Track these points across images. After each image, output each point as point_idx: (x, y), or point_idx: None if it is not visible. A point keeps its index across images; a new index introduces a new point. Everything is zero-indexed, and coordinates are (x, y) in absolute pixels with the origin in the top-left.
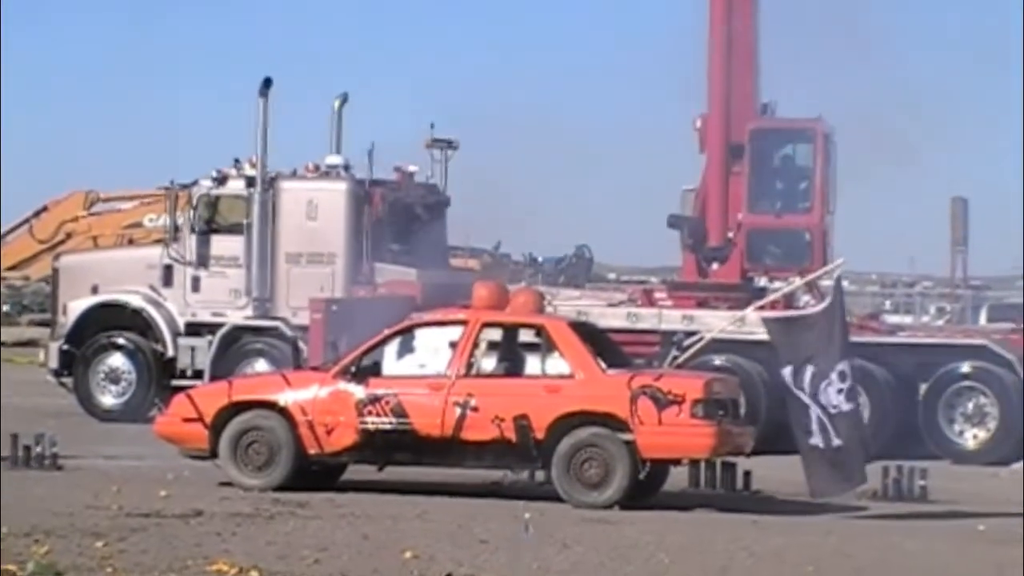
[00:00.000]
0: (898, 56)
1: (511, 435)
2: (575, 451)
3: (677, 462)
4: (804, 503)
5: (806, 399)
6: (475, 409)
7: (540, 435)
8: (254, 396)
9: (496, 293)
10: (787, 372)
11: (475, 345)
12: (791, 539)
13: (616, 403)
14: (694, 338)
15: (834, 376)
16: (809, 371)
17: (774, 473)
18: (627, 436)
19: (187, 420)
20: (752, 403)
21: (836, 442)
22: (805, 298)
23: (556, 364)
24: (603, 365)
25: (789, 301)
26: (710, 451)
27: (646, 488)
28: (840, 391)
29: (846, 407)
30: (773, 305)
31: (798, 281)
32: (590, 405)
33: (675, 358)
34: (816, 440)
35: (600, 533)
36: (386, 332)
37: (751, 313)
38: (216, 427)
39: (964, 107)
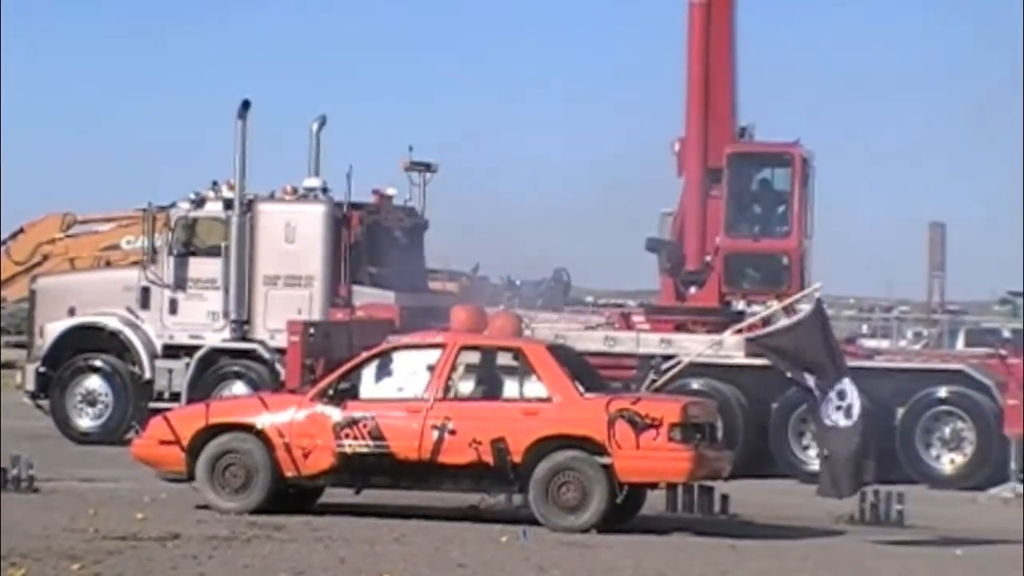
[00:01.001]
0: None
1: (488, 458)
2: (552, 474)
3: (654, 486)
4: (782, 527)
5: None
6: (452, 432)
7: (518, 458)
8: (231, 419)
9: (474, 316)
10: (799, 381)
11: (453, 368)
12: (769, 563)
13: (594, 427)
14: (672, 362)
15: (833, 395)
16: (813, 380)
17: (752, 497)
18: (605, 460)
19: (164, 443)
20: (730, 427)
21: (825, 452)
22: (783, 322)
23: (534, 387)
24: (581, 388)
25: (767, 325)
26: (687, 475)
27: (623, 512)
28: (839, 408)
29: (843, 423)
30: (751, 329)
31: (776, 304)
32: (568, 428)
33: (653, 381)
34: (839, 420)
35: (577, 557)
36: (364, 355)
37: (729, 337)
38: (193, 450)
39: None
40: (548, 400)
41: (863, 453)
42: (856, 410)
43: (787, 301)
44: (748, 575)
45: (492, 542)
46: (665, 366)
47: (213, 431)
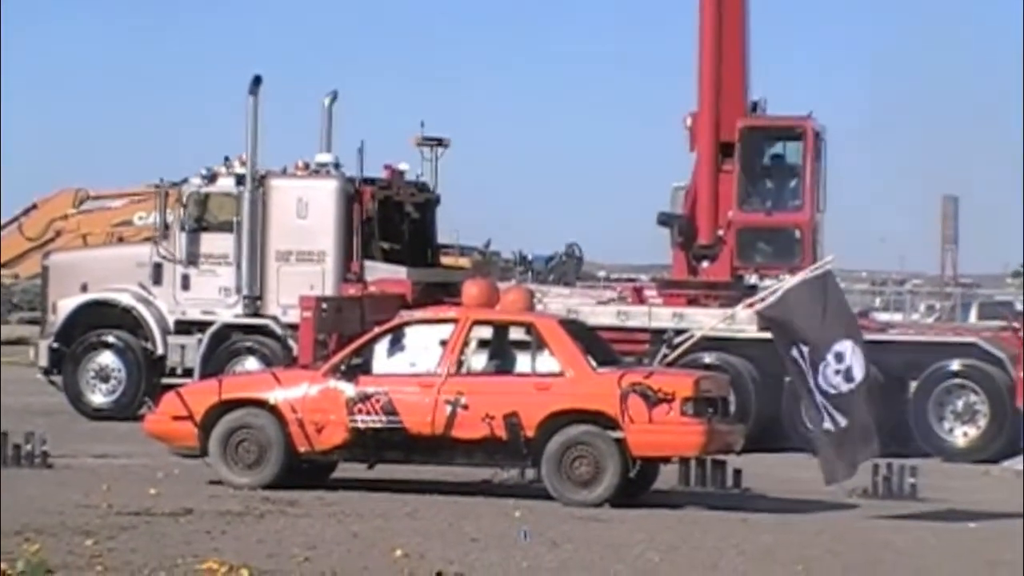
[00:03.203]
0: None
1: (501, 433)
2: (565, 449)
3: (667, 460)
4: (794, 501)
5: (811, 384)
6: (465, 407)
7: (530, 433)
8: (244, 394)
9: (486, 291)
10: (789, 359)
11: (465, 343)
12: (781, 537)
13: (606, 401)
14: (684, 336)
15: (830, 358)
16: (806, 352)
17: (764, 471)
18: (617, 434)
19: (177, 418)
20: (742, 401)
21: (843, 423)
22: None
23: (546, 362)
24: (593, 363)
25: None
26: (700, 449)
27: (637, 486)
28: (838, 372)
29: (845, 388)
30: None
31: (789, 279)
32: (580, 403)
33: (665, 356)
34: (828, 424)
35: (590, 531)
36: (376, 330)
37: (741, 311)
38: (206, 425)
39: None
40: (560, 375)
41: (864, 425)
42: (858, 374)
43: (800, 276)
44: (760, 549)
45: (505, 516)
46: (678, 340)
47: (226, 407)
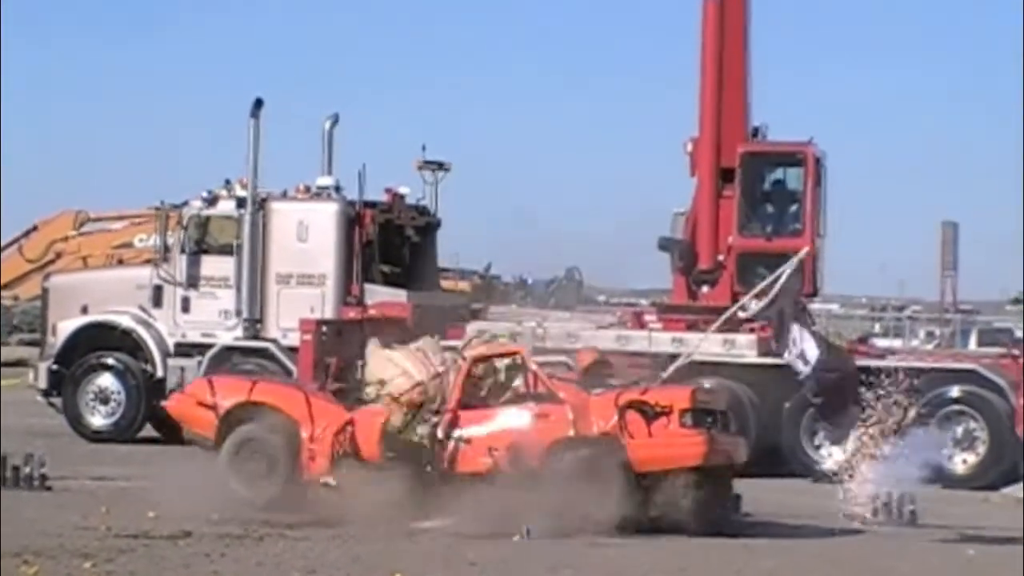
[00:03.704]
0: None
1: (504, 464)
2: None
3: (671, 473)
4: (794, 526)
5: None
6: (468, 441)
7: (534, 463)
8: (274, 404)
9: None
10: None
11: (468, 379)
12: (781, 562)
13: (606, 422)
14: (682, 358)
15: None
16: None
17: (764, 496)
18: (622, 455)
19: (201, 404)
20: (741, 426)
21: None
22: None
23: (543, 392)
24: (587, 388)
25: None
26: (702, 458)
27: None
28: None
29: (801, 369)
30: (764, 329)
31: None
32: (581, 429)
33: (659, 378)
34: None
35: (589, 556)
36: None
37: (741, 336)
38: (228, 420)
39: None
40: (559, 402)
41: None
42: (811, 356)
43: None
44: (761, 574)
45: (504, 541)
46: (676, 364)
47: (251, 407)
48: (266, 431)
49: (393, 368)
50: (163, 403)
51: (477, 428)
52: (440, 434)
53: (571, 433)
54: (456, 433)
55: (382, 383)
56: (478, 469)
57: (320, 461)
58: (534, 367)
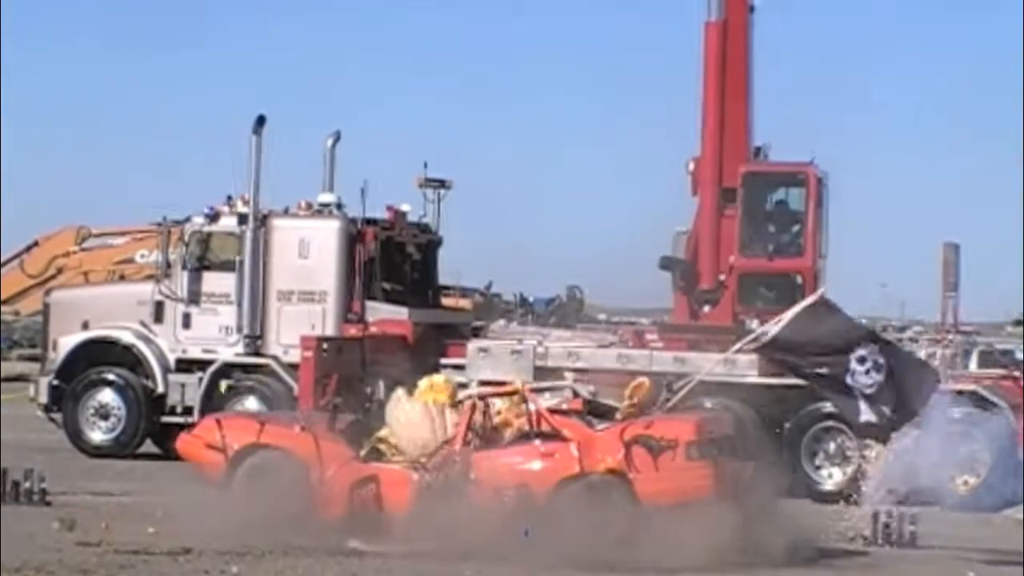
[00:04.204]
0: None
1: (513, 504)
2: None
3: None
4: (795, 548)
5: (847, 383)
6: (475, 483)
7: (542, 501)
8: (283, 446)
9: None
10: (814, 375)
11: (473, 418)
12: None
13: (612, 457)
14: (684, 380)
15: (854, 364)
16: (827, 365)
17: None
18: (629, 491)
19: (210, 447)
20: (744, 446)
21: (887, 411)
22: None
23: (548, 431)
24: (593, 423)
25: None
26: (711, 490)
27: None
28: (867, 372)
29: (878, 378)
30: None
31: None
32: (587, 465)
33: (667, 400)
34: (868, 416)
35: None
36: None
37: (742, 356)
38: (235, 462)
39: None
40: (564, 440)
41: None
42: (883, 363)
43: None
44: None
45: (503, 561)
46: (678, 385)
47: (260, 449)
48: (279, 459)
49: (409, 427)
50: (176, 445)
51: (485, 469)
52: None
53: (577, 470)
54: (465, 475)
55: (378, 451)
56: (487, 510)
57: (334, 509)
58: (537, 404)
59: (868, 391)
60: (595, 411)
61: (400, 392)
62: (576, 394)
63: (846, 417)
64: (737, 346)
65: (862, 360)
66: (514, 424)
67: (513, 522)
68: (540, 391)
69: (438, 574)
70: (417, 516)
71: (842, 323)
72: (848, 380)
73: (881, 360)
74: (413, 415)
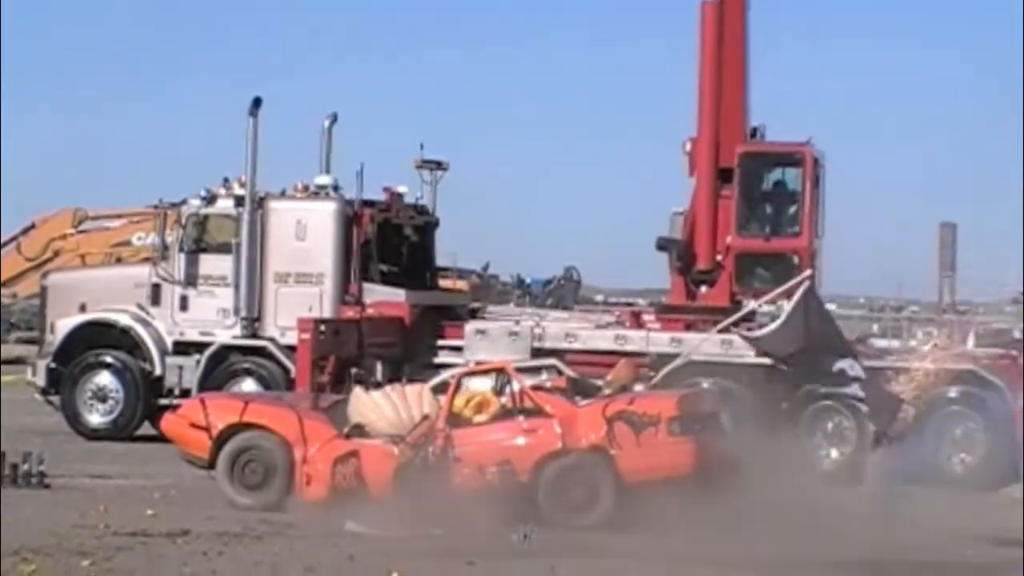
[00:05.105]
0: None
1: (496, 481)
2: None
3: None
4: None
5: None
6: (459, 460)
7: (524, 478)
8: (266, 424)
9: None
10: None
11: (456, 396)
12: (776, 558)
13: (595, 434)
14: (679, 360)
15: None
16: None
17: (762, 496)
18: (611, 467)
19: (194, 426)
20: (741, 426)
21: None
22: (776, 322)
23: (529, 405)
24: (575, 399)
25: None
26: (693, 467)
27: None
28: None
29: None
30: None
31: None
32: (570, 442)
33: (650, 378)
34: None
35: (588, 555)
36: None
37: (737, 337)
38: (220, 441)
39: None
40: (547, 416)
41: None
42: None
43: (774, 293)
44: (757, 569)
45: (502, 541)
46: (673, 365)
47: (244, 428)
48: (259, 440)
49: (373, 411)
50: (160, 425)
51: (467, 446)
52: (432, 455)
53: (559, 446)
54: (447, 452)
55: (360, 427)
56: (470, 487)
57: (317, 487)
58: (520, 382)
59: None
60: (580, 390)
61: (356, 389)
62: (560, 372)
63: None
64: (724, 323)
65: (842, 372)
66: (495, 404)
67: (497, 499)
68: (525, 370)
69: (435, 554)
70: (399, 492)
71: (828, 326)
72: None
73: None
74: (375, 400)
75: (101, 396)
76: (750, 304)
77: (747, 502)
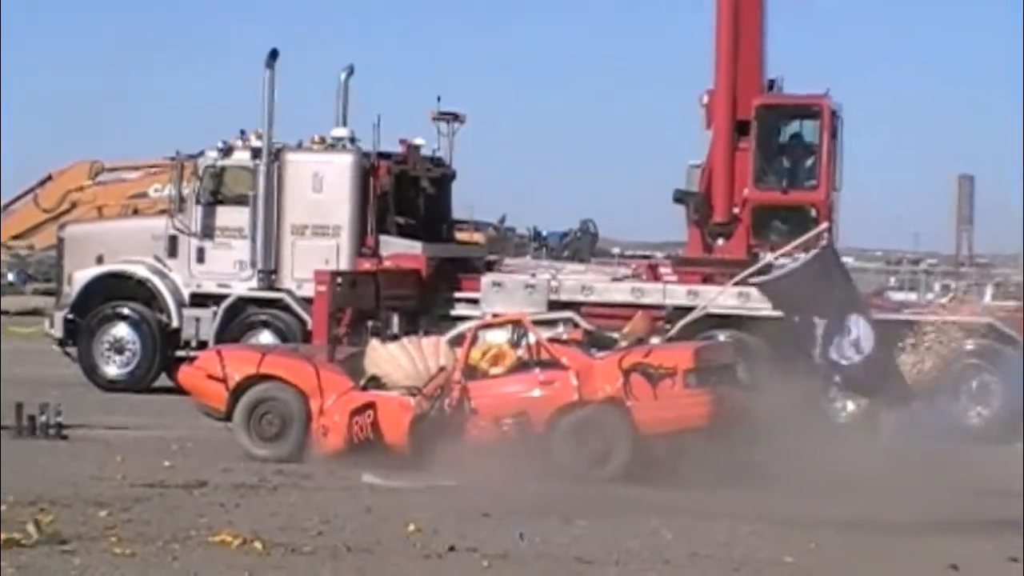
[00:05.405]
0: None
1: (512, 433)
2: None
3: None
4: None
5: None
6: (475, 411)
7: (540, 429)
8: (283, 376)
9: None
10: (799, 330)
11: (472, 348)
12: (794, 511)
13: (611, 386)
14: (696, 312)
15: (844, 331)
16: (820, 327)
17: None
18: (627, 419)
19: (211, 377)
20: (754, 379)
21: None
22: (786, 267)
23: (546, 357)
24: (591, 351)
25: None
26: (708, 419)
27: None
28: (851, 344)
29: (854, 358)
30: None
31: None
32: (586, 393)
33: (667, 331)
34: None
35: (605, 508)
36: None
37: (753, 289)
38: (237, 393)
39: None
40: (563, 368)
41: (869, 391)
42: (867, 345)
43: (790, 246)
44: (774, 522)
45: (519, 493)
46: (690, 317)
47: (261, 380)
48: (275, 391)
49: (389, 363)
50: (177, 376)
51: (484, 398)
52: (448, 407)
53: (575, 398)
54: (464, 404)
55: (377, 379)
56: (486, 439)
57: (334, 439)
58: (536, 334)
59: (845, 363)
60: (596, 342)
61: (373, 341)
62: (576, 325)
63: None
64: (740, 276)
65: (848, 331)
66: (511, 356)
67: (513, 451)
68: (541, 323)
69: (451, 506)
70: (415, 444)
71: (844, 282)
72: (826, 350)
73: (866, 340)
74: (391, 352)
75: (118, 348)
76: (767, 257)
77: (762, 455)
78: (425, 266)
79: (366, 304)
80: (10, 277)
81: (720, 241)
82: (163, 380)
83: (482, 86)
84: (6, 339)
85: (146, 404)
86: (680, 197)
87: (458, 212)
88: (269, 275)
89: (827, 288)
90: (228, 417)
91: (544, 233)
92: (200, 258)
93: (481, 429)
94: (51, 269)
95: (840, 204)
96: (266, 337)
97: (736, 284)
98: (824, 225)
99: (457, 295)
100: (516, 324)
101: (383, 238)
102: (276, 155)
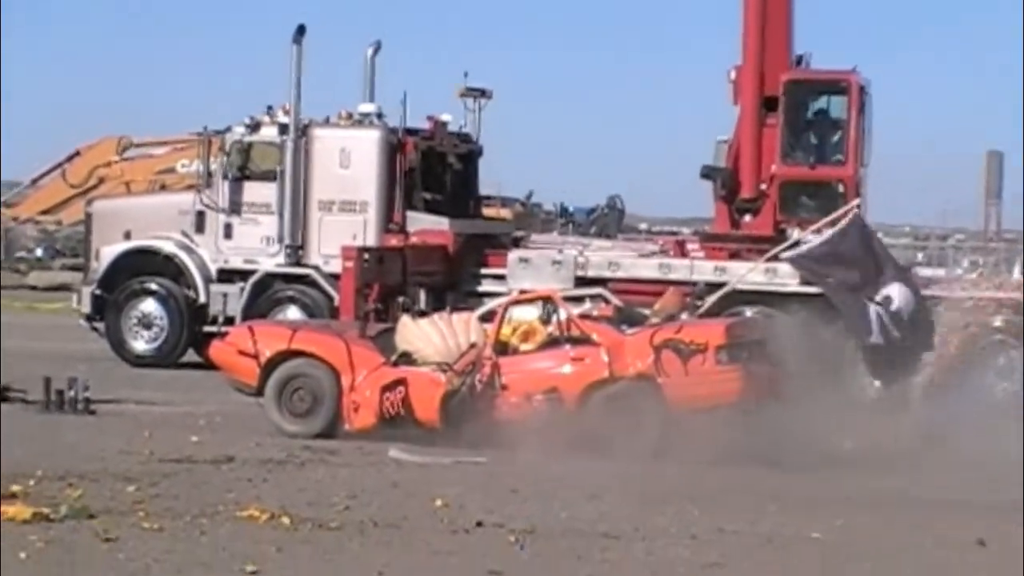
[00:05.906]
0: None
1: (542, 409)
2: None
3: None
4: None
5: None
6: (506, 387)
7: (571, 405)
8: (314, 352)
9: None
10: (837, 291)
11: (504, 324)
12: (820, 489)
13: (642, 362)
14: (725, 288)
15: (880, 300)
16: (852, 301)
17: (807, 426)
18: (658, 395)
19: (242, 353)
20: (783, 356)
21: (895, 334)
22: (819, 239)
23: (577, 334)
24: (623, 327)
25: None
26: (739, 395)
27: None
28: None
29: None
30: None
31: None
32: (617, 370)
33: (697, 307)
34: (876, 339)
35: (630, 484)
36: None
37: (783, 265)
38: (268, 369)
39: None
40: (594, 344)
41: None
42: (906, 314)
43: (822, 222)
44: (800, 500)
45: (544, 469)
46: (719, 293)
47: (292, 356)
48: (307, 368)
49: (420, 339)
50: (208, 352)
51: (514, 374)
52: (479, 383)
53: (606, 375)
54: (494, 380)
55: (408, 355)
56: (516, 415)
57: (365, 415)
58: (567, 310)
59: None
60: (626, 319)
61: (404, 317)
62: (607, 301)
63: (856, 335)
64: (771, 252)
65: (887, 300)
66: (542, 332)
67: (543, 427)
68: (570, 299)
69: (478, 482)
70: (446, 420)
71: (878, 250)
72: (869, 308)
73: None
74: (422, 328)
75: (146, 323)
76: (794, 233)
77: (791, 431)
78: (452, 242)
79: (393, 280)
80: (38, 252)
81: (747, 217)
82: (190, 356)
83: (509, 62)
84: (33, 314)
85: (173, 380)
86: (707, 173)
87: (485, 188)
88: (296, 251)
89: (861, 259)
90: (259, 393)
91: (571, 209)
92: (227, 234)
93: (511, 405)
94: (79, 244)
95: (868, 180)
96: (293, 313)
97: (767, 260)
98: (855, 202)
99: (484, 271)
100: (547, 300)
101: (410, 214)
102: (303, 131)
